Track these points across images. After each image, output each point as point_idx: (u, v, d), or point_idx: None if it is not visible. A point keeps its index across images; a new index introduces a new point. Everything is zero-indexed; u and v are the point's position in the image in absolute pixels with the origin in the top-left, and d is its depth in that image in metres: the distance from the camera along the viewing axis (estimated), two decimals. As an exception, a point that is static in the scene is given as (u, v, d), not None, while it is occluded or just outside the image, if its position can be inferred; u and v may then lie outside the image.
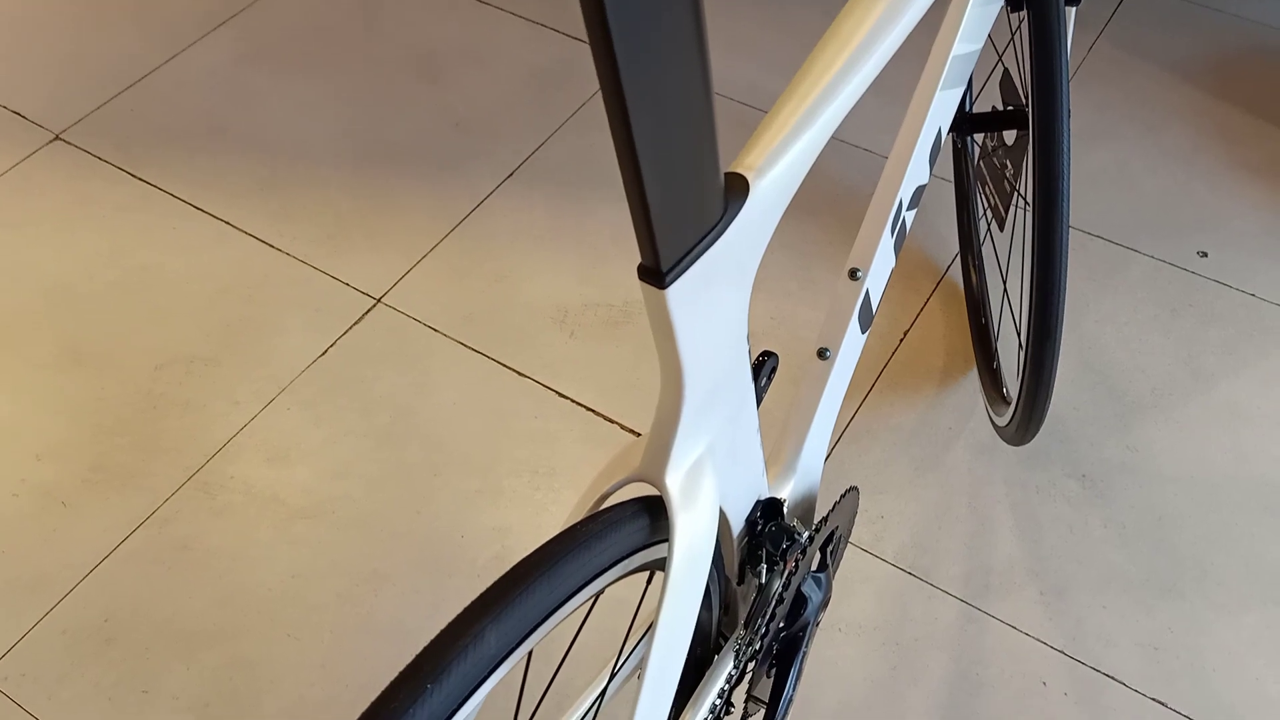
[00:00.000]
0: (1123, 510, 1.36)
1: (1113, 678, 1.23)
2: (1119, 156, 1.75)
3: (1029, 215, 1.03)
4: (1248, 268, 1.59)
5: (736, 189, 0.59)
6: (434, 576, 1.31)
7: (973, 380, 1.48)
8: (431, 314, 1.56)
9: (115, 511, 1.36)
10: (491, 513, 1.37)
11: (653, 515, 0.67)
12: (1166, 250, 1.62)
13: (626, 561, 0.64)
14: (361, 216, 1.68)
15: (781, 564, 0.86)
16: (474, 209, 1.69)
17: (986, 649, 1.26)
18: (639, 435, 1.45)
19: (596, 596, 0.63)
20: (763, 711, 0.97)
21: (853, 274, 0.91)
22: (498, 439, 1.43)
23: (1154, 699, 1.22)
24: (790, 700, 0.97)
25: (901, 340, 1.53)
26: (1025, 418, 1.15)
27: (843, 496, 0.97)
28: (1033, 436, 1.23)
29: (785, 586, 0.90)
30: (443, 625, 1.27)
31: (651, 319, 0.58)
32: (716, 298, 0.60)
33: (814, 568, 0.96)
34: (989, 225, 1.44)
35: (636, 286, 1.59)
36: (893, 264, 0.93)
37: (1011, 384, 1.37)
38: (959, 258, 1.57)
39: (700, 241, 0.56)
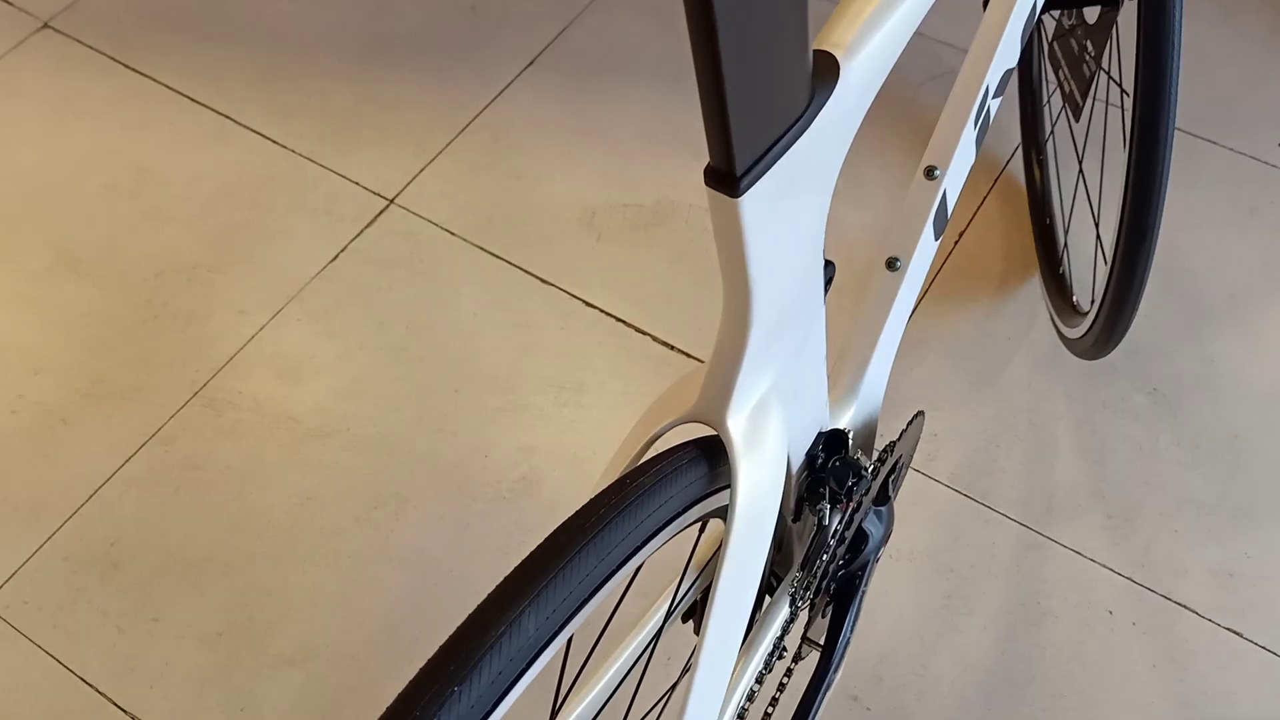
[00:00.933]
0: (1196, 428, 1.26)
1: (1185, 606, 1.15)
2: (1190, 40, 1.58)
3: (1109, 104, 0.90)
4: (1335, 162, 1.46)
5: (825, 72, 0.48)
6: (456, 500, 1.23)
7: (1034, 287, 1.37)
8: (448, 216, 1.45)
9: (118, 429, 1.28)
10: (516, 431, 1.28)
11: (711, 460, 0.58)
12: (1244, 142, 1.49)
13: (681, 518, 0.54)
14: (368, 111, 1.56)
15: (845, 501, 0.77)
16: (491, 101, 1.57)
17: (1048, 577, 1.18)
18: (672, 348, 1.36)
19: (640, 566, 0.54)
20: (817, 654, 0.89)
21: (929, 173, 0.79)
22: (520, 352, 1.34)
23: (1229, 629, 1.14)
24: (847, 642, 0.89)
25: (956, 243, 1.41)
26: (1107, 329, 1.05)
27: (910, 422, 0.88)
28: (1112, 349, 1.13)
29: (846, 525, 0.81)
30: (466, 554, 1.19)
31: (718, 232, 0.48)
32: (796, 206, 0.49)
33: (875, 501, 0.87)
34: (1060, 113, 1.31)
35: (669, 185, 1.47)
36: (973, 160, 0.81)
37: (1081, 292, 1.26)
38: (1020, 150, 1.44)
39: (783, 137, 0.45)
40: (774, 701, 0.91)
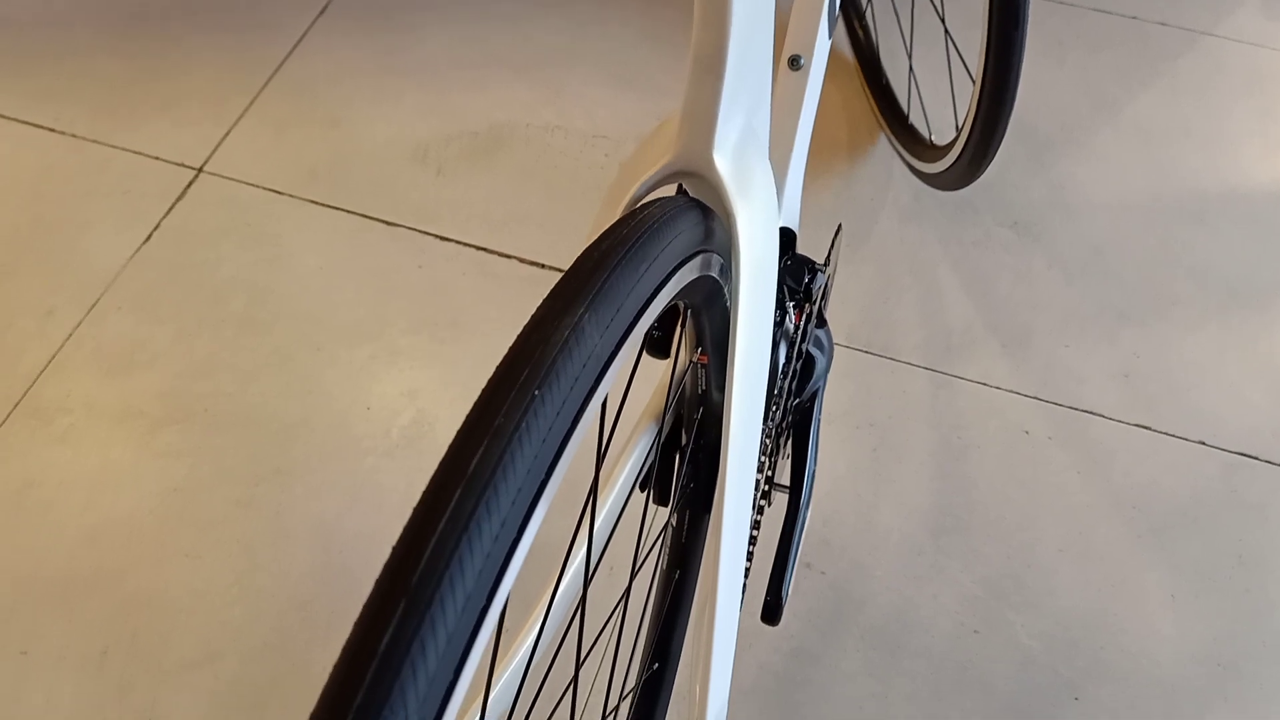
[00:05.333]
0: (1062, 248, 1.29)
1: (1092, 413, 1.17)
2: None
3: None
4: (1122, -7, 1.53)
5: None
6: (345, 459, 1.11)
7: (883, 147, 1.37)
8: (268, 175, 1.33)
9: (-75, 466, 1.10)
10: (394, 377, 1.17)
11: (703, 214, 0.51)
12: (1039, -13, 1.54)
13: (687, 267, 0.47)
14: (147, 83, 1.41)
15: (804, 303, 0.73)
16: (288, 55, 1.45)
17: (962, 411, 1.17)
18: (542, 266, 1.28)
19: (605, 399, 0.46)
20: (786, 497, 0.84)
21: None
22: (381, 298, 1.23)
23: (1137, 425, 1.16)
24: (814, 475, 0.85)
25: (799, 118, 1.40)
26: (982, 144, 1.05)
27: (835, 236, 0.84)
28: (987, 167, 1.13)
29: (801, 337, 0.77)
30: (367, 513, 1.08)
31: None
32: None
33: (816, 322, 0.83)
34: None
35: (498, 108, 1.40)
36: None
37: (937, 132, 1.27)
38: (840, 22, 1.44)
39: None
40: (749, 555, 0.86)
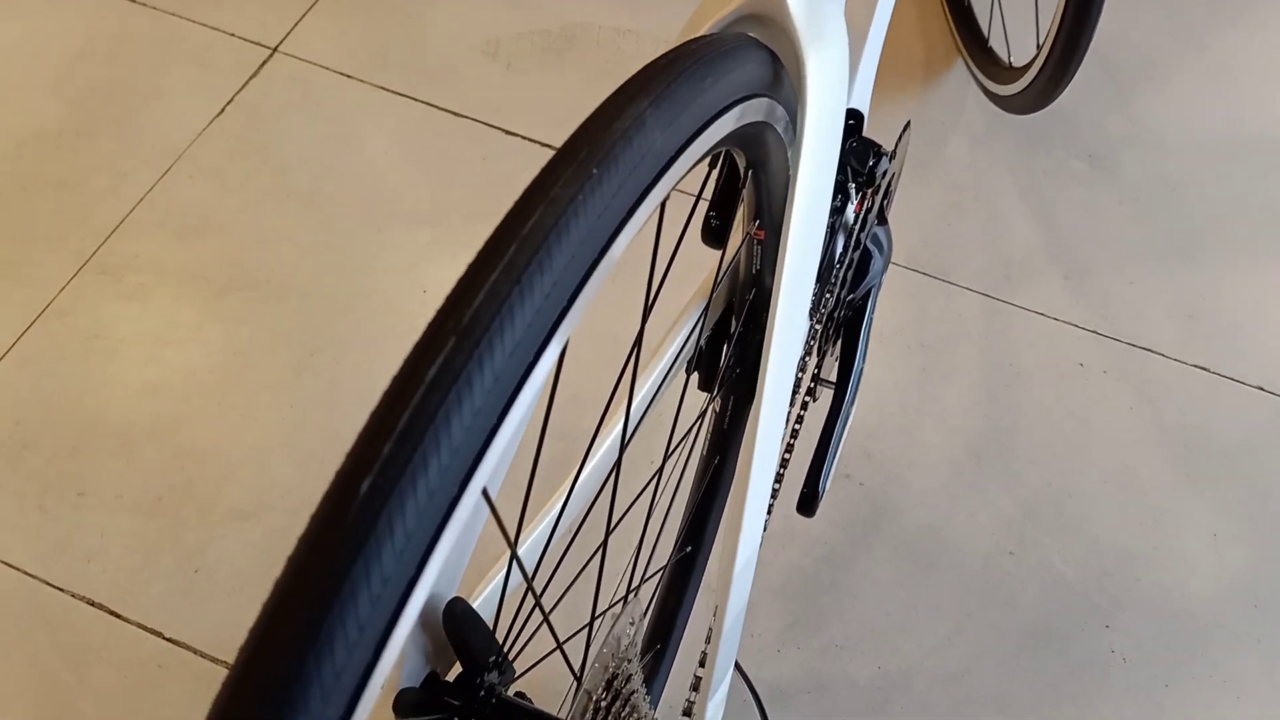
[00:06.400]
0: (1134, 184, 1.27)
1: (1150, 350, 1.15)
2: None
3: None
4: (1223, -70, 1.48)
5: None
6: (401, 337, 1.13)
7: (959, 71, 1.35)
8: (340, 59, 1.34)
9: (1, 309, 1.14)
10: (452, 263, 1.19)
11: (773, 61, 0.51)
12: (1137, -80, 1.49)
13: (752, 104, 0.47)
14: (235, -39, 1.42)
15: (867, 187, 0.72)
16: (369, -58, 1.45)
17: (1016, 339, 1.16)
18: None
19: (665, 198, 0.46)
20: (831, 393, 0.85)
21: None
22: (443, 186, 1.24)
23: (1195, 365, 1.14)
24: (860, 373, 0.85)
25: (876, 37, 1.38)
26: (1061, 64, 1.02)
27: (904, 131, 0.83)
28: (1067, 83, 1.10)
29: (861, 228, 0.76)
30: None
31: None
32: None
33: (877, 219, 0.83)
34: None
35: (572, 8, 1.39)
36: None
37: (1019, 56, 1.24)
38: (927, -59, 1.41)
39: None
40: (789, 449, 0.87)
